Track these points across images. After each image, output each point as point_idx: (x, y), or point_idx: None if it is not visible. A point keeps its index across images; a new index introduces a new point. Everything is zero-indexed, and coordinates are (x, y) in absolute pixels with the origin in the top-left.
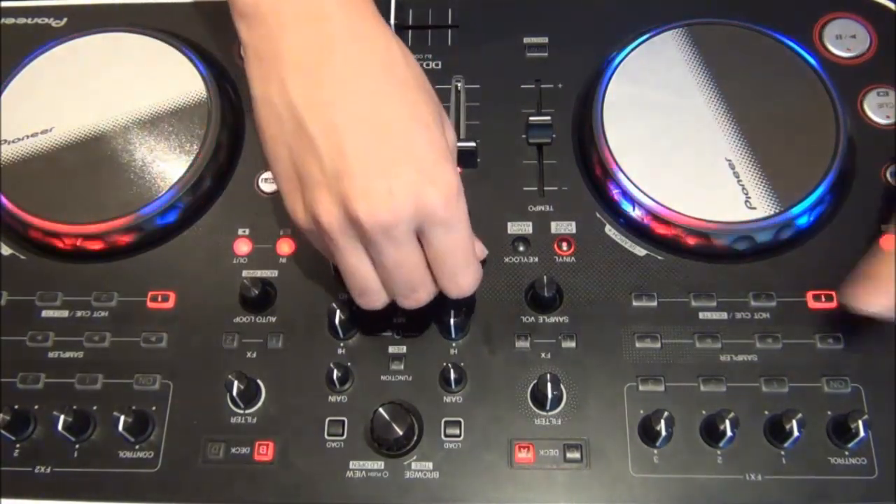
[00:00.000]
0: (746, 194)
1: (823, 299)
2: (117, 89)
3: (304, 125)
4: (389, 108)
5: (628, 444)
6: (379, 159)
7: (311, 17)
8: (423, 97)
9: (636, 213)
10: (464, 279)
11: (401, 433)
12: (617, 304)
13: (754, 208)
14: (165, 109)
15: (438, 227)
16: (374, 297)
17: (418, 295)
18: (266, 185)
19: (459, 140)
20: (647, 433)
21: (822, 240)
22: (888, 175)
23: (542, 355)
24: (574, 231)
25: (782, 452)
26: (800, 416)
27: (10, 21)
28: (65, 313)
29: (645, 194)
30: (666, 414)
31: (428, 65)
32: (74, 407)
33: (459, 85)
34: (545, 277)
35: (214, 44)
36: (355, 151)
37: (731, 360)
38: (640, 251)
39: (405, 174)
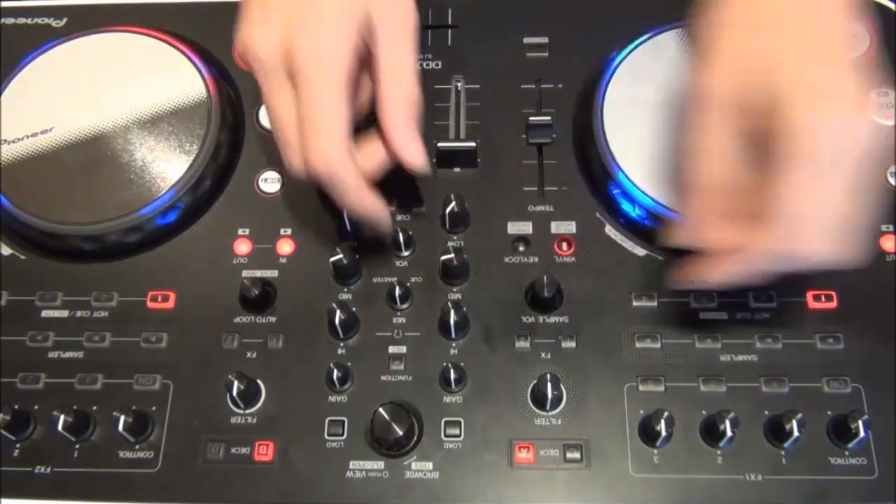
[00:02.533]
0: None
1: (823, 299)
2: (117, 89)
3: None
4: None
5: (628, 444)
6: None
7: None
8: None
9: (636, 213)
10: (311, 147)
11: (401, 433)
12: (617, 304)
13: None
14: (165, 109)
15: (298, 75)
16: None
17: (286, 153)
18: (266, 185)
19: (459, 140)
20: (647, 433)
21: None
22: (888, 175)
23: (542, 355)
24: (574, 231)
25: (782, 452)
26: (800, 416)
27: (10, 21)
28: (65, 313)
29: (645, 194)
30: (666, 414)
31: (428, 65)
32: (74, 407)
33: (459, 85)
34: (545, 277)
35: (214, 44)
36: None
37: (731, 360)
38: (640, 251)
39: (287, 13)
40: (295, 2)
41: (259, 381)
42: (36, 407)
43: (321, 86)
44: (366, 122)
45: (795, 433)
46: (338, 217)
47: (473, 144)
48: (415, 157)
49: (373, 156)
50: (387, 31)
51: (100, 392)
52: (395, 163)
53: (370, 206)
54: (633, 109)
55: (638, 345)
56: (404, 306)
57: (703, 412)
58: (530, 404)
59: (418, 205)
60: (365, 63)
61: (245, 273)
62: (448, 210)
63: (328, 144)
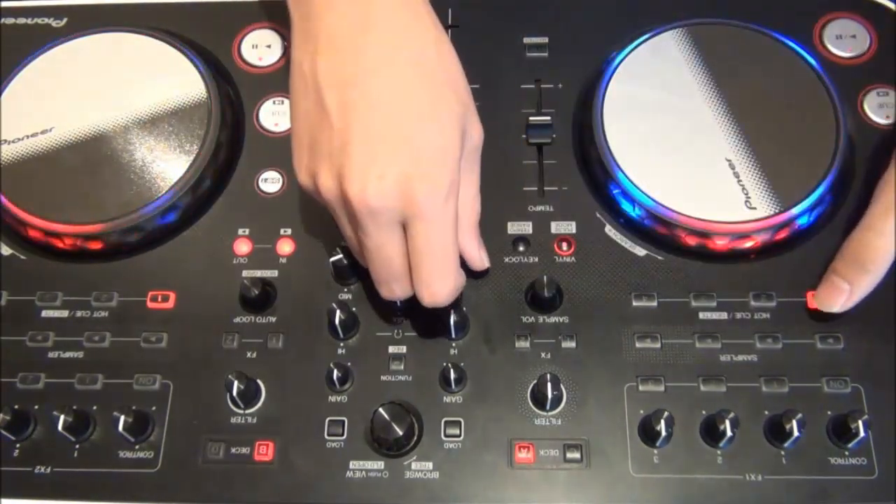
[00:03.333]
0: (746, 194)
1: None
2: (117, 89)
3: (322, 97)
4: (406, 98)
5: (628, 444)
6: (380, 144)
7: (357, 0)
8: (446, 95)
9: (636, 213)
10: (437, 285)
11: (401, 433)
12: (617, 304)
13: (754, 208)
14: (165, 109)
15: (419, 222)
16: (363, 262)
17: (391, 287)
18: (266, 185)
19: None
20: (647, 433)
21: (822, 240)
22: None
23: (542, 355)
24: (574, 231)
25: (782, 452)
26: (800, 416)
27: (10, 21)
28: (65, 313)
29: (645, 194)
30: (666, 414)
31: None
32: (74, 407)
33: None
34: (545, 277)
35: (214, 44)
36: (361, 132)
37: (731, 360)
38: (640, 251)
39: (400, 163)
40: (404, 150)
41: (259, 381)
42: (36, 407)
43: (445, 228)
44: None
45: (795, 433)
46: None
47: None
48: (483, 262)
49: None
50: (467, 145)
51: (100, 392)
52: None
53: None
54: (633, 109)
55: (638, 345)
56: (403, 306)
57: (703, 412)
58: (530, 404)
59: None
60: None
61: (245, 273)
62: None
63: (454, 279)
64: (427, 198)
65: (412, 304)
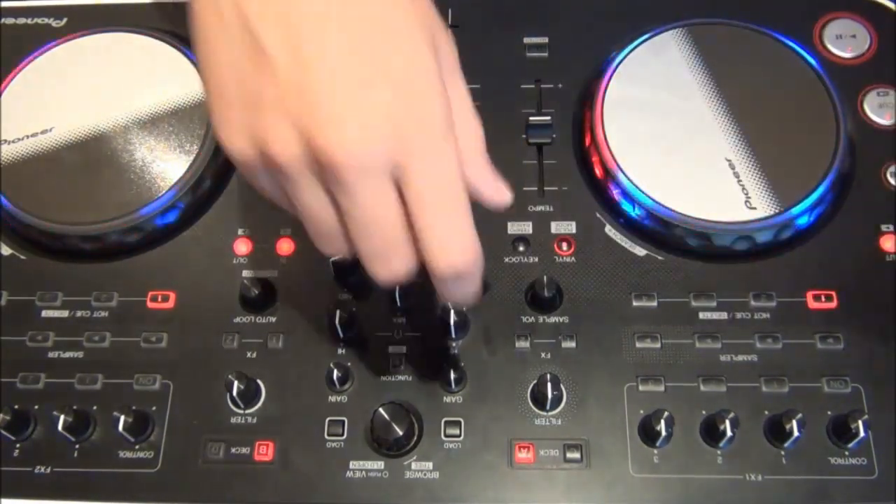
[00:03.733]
0: (746, 194)
1: (823, 299)
2: (117, 89)
3: (258, 38)
4: (364, 13)
5: (628, 444)
6: (348, 79)
7: None
8: (406, 7)
9: (636, 213)
10: (452, 239)
11: (401, 433)
12: (617, 304)
13: (754, 208)
14: (165, 109)
15: (419, 164)
16: (335, 243)
17: (390, 262)
18: None
19: None
20: (647, 433)
21: (822, 240)
22: (888, 175)
23: (542, 355)
24: (574, 231)
25: (782, 452)
26: (800, 416)
27: (10, 21)
28: (65, 313)
29: (645, 194)
30: (666, 414)
31: None
32: (74, 407)
33: None
34: (545, 277)
35: None
36: (320, 68)
37: (731, 360)
38: (640, 251)
39: (380, 98)
40: (381, 80)
41: (259, 381)
42: (36, 407)
43: (450, 167)
44: None
45: (795, 433)
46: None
47: None
48: (498, 195)
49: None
50: (443, 60)
51: (100, 392)
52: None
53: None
54: (633, 109)
55: (638, 345)
56: (404, 306)
57: (703, 412)
58: (530, 404)
59: None
60: None
61: (245, 273)
62: None
63: (471, 234)
64: (423, 135)
65: (412, 303)
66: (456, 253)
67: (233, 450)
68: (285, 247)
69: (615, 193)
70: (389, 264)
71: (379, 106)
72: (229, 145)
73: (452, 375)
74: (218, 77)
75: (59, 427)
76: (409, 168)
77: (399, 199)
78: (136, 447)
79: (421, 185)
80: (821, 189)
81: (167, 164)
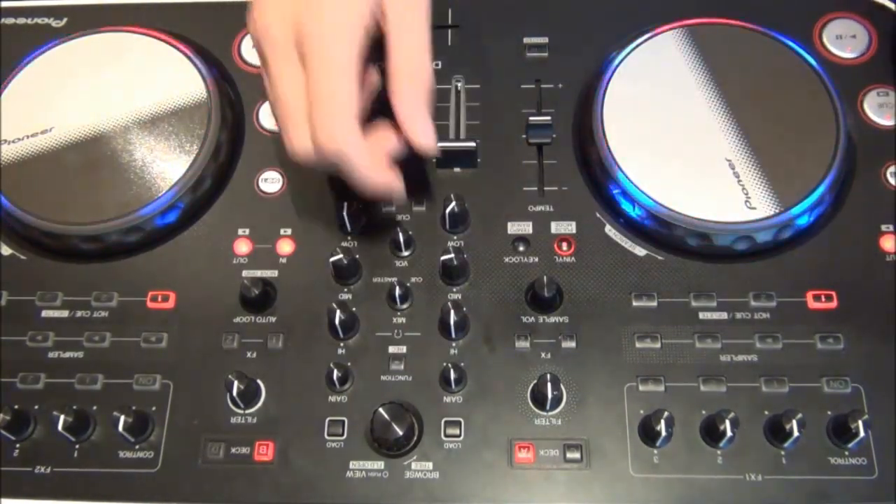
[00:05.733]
0: (746, 194)
1: (823, 299)
2: (117, 89)
3: None
4: None
5: (628, 444)
6: None
7: None
8: None
9: (636, 213)
10: (321, 126)
11: (401, 433)
12: (617, 304)
13: (754, 208)
14: (165, 109)
15: (307, 52)
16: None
17: (290, 135)
18: (266, 185)
19: (459, 140)
20: (647, 433)
21: (822, 240)
22: (888, 175)
23: (542, 355)
24: (574, 231)
25: (782, 452)
26: (800, 416)
27: (10, 21)
28: (65, 313)
29: (645, 194)
30: (666, 414)
31: None
32: (74, 407)
33: (459, 85)
34: (545, 277)
35: (214, 44)
36: None
37: (731, 360)
38: (640, 251)
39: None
40: (308, 6)
41: (259, 381)
42: (36, 407)
43: (331, 63)
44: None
45: (795, 433)
46: (337, 213)
47: (473, 144)
48: (424, 137)
49: (385, 141)
50: (399, 10)
51: (100, 392)
52: (407, 150)
53: (381, 182)
54: (633, 109)
55: (638, 345)
56: (404, 306)
57: (703, 412)
58: (530, 404)
59: (419, 202)
60: (377, 44)
61: (245, 273)
62: (448, 210)
63: (338, 122)
64: (312, 23)
65: (412, 303)
66: (323, 137)
67: (233, 450)
68: (285, 247)
69: (615, 193)
70: (289, 137)
71: (292, 4)
72: (253, 20)
73: (452, 375)
74: None
75: (59, 427)
76: (305, 56)
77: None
78: (136, 447)
79: (308, 73)
80: (821, 189)
81: (167, 164)
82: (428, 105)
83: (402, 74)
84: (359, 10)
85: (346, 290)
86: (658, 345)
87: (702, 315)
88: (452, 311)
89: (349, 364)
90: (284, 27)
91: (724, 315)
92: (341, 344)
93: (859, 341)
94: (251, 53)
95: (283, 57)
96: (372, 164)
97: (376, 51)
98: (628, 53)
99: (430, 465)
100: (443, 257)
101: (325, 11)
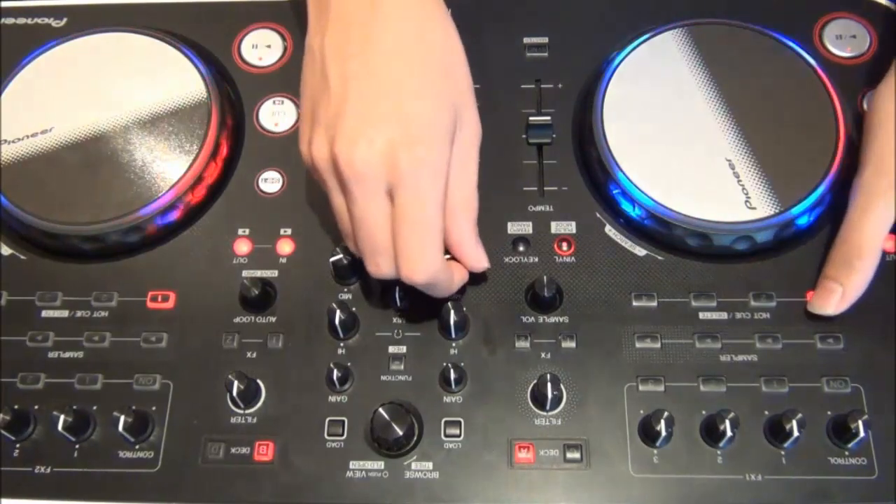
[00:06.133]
0: (746, 194)
1: None
2: (117, 89)
3: (326, 70)
4: (403, 72)
5: (628, 444)
6: (373, 111)
7: None
8: (444, 74)
9: (636, 213)
10: (414, 258)
11: (401, 433)
12: (617, 304)
13: (754, 208)
14: (165, 109)
15: (402, 190)
16: (350, 240)
17: (377, 260)
18: (266, 185)
19: None
20: (647, 433)
21: (822, 240)
22: None
23: (542, 355)
24: (574, 231)
25: (782, 452)
26: (800, 416)
27: (10, 21)
28: (65, 313)
29: (645, 194)
30: (666, 414)
31: None
32: (74, 407)
33: None
34: (545, 277)
35: (214, 44)
36: (356, 99)
37: (731, 360)
38: (640, 251)
39: (390, 131)
40: (395, 119)
41: (259, 381)
42: (36, 407)
43: (427, 201)
44: None
45: (795, 433)
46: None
47: None
48: (482, 263)
49: (457, 271)
50: (464, 147)
51: (100, 392)
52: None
53: (454, 289)
54: (633, 109)
55: (638, 345)
56: (404, 306)
57: (703, 412)
58: (530, 404)
59: None
60: None
61: (245, 273)
62: None
63: (430, 254)
64: (411, 166)
65: (412, 303)
66: (415, 269)
67: (233, 450)
68: (285, 247)
69: (615, 193)
70: (375, 261)
71: (386, 135)
72: (301, 151)
73: (452, 375)
74: (304, 100)
75: (59, 427)
76: (396, 192)
77: (391, 212)
78: (136, 447)
79: (399, 209)
80: (821, 189)
81: (167, 164)
82: (474, 230)
83: (458, 208)
84: (448, 145)
85: (346, 290)
86: (658, 345)
87: (702, 315)
88: (452, 311)
89: (349, 364)
90: (378, 162)
91: (724, 315)
92: (341, 344)
93: (859, 341)
94: (251, 53)
95: (374, 192)
96: (450, 282)
97: None
98: (628, 53)
99: (430, 465)
100: None
101: (422, 153)
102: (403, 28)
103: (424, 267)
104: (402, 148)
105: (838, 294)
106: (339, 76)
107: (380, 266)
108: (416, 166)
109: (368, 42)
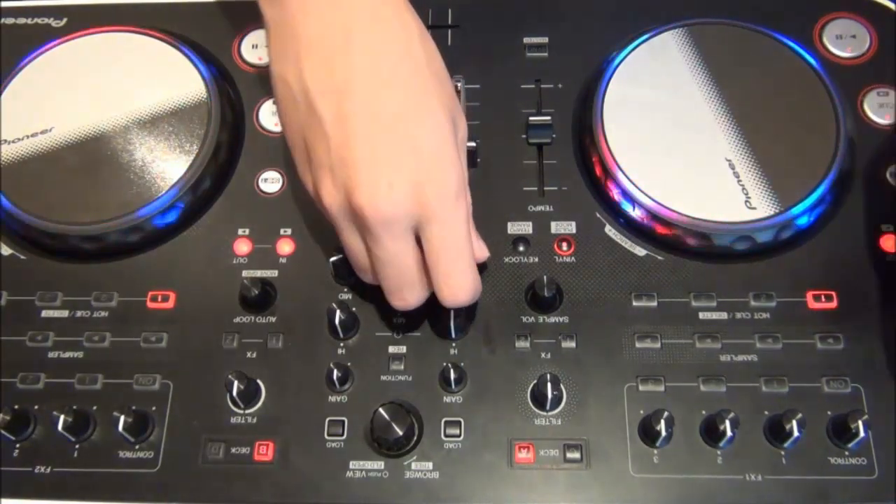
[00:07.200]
0: (746, 194)
1: (823, 299)
2: (117, 89)
3: (315, 110)
4: (399, 98)
5: (628, 444)
6: (385, 153)
7: (333, 1)
8: (435, 86)
9: (636, 213)
10: (458, 283)
11: (401, 433)
12: (617, 304)
13: (754, 208)
14: (165, 109)
15: (435, 224)
16: (367, 275)
17: (404, 295)
18: (266, 185)
19: None
20: (647, 433)
21: (822, 240)
22: (888, 175)
23: (542, 355)
24: (574, 231)
25: (782, 452)
26: (800, 416)
27: (10, 21)
28: (65, 313)
29: (645, 194)
30: (666, 414)
31: None
32: (74, 407)
33: (459, 85)
34: (545, 277)
35: (214, 44)
36: (361, 141)
37: (731, 360)
38: (640, 251)
39: (407, 168)
40: (408, 153)
41: (259, 381)
42: (36, 407)
43: (460, 225)
44: None
45: (795, 433)
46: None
47: (473, 144)
48: (483, 253)
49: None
50: (458, 139)
51: (100, 392)
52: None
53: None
54: (633, 109)
55: (638, 345)
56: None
57: (703, 412)
58: (530, 404)
59: None
60: None
61: (245, 273)
62: None
63: (475, 275)
64: (439, 199)
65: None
66: (460, 292)
67: (233, 450)
68: (285, 247)
69: (615, 193)
70: (403, 297)
71: (405, 174)
72: (304, 186)
73: (452, 375)
74: (290, 133)
75: (59, 427)
76: (427, 226)
77: (416, 245)
78: (136, 447)
79: (435, 241)
80: (821, 189)
81: (167, 164)
82: (471, 224)
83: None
84: (459, 159)
85: (346, 289)
86: (658, 345)
87: (702, 315)
88: (452, 311)
89: (349, 364)
90: (405, 204)
91: (724, 315)
92: (341, 344)
93: (859, 341)
94: (251, 53)
95: (402, 233)
96: (480, 287)
97: None
98: (628, 53)
99: (430, 465)
100: None
101: (442, 175)
102: (385, 50)
103: (469, 287)
104: (426, 183)
105: None
106: (333, 116)
107: (407, 299)
108: (443, 197)
109: (354, 72)
